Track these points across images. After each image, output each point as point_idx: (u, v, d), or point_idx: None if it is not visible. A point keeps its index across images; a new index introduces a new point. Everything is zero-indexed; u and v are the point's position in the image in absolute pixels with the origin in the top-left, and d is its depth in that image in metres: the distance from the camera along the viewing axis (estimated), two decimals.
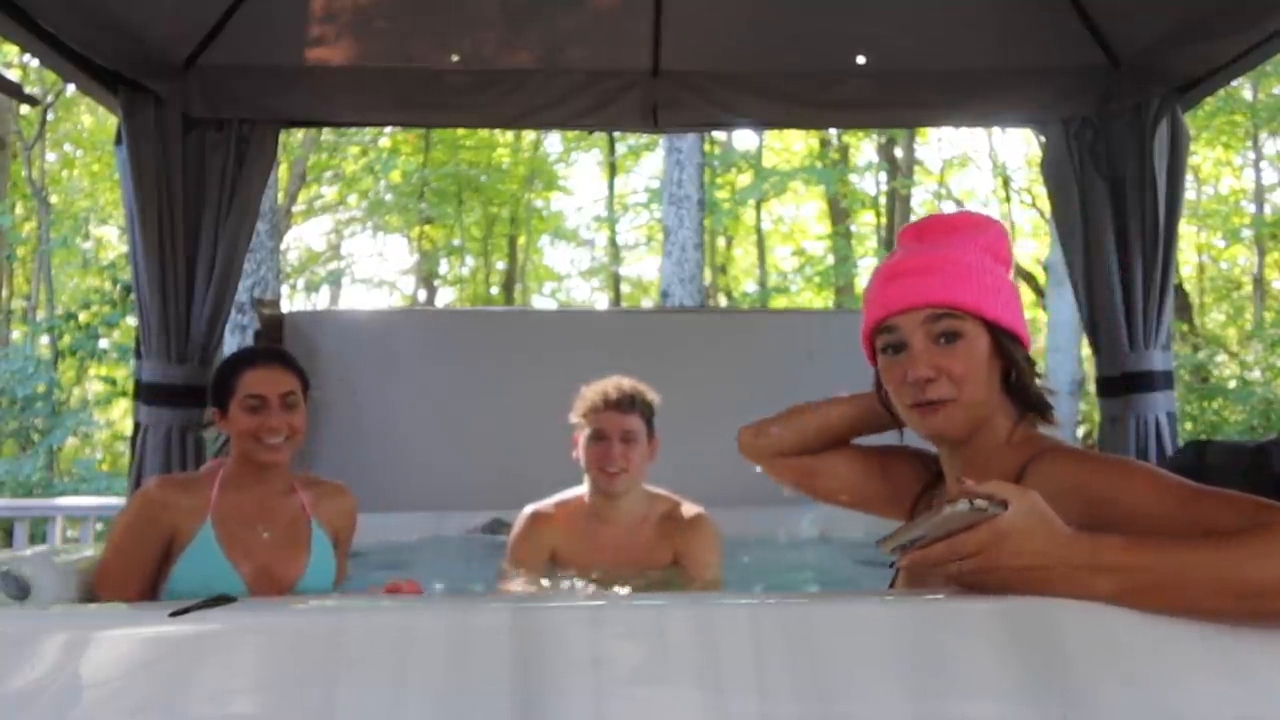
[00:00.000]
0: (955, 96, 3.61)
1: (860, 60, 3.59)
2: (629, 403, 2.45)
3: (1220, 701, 0.98)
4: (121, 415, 10.64)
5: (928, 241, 1.31)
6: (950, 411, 1.23)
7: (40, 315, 11.20)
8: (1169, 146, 3.34)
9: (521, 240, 16.62)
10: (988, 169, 15.55)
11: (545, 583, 2.46)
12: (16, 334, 11.94)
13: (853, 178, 13.89)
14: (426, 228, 15.57)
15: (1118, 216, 3.43)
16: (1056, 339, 9.75)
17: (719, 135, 13.40)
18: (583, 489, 2.56)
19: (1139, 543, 1.01)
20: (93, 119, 13.05)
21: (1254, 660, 0.98)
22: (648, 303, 15.97)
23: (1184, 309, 11.96)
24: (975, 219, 1.34)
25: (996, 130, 14.09)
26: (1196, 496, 1.07)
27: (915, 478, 1.45)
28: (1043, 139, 3.70)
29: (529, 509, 2.61)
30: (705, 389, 3.72)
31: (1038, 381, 1.28)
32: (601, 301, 17.22)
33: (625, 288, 16.74)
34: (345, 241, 15.84)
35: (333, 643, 0.94)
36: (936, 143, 15.17)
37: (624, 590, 2.39)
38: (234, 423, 2.07)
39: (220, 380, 2.12)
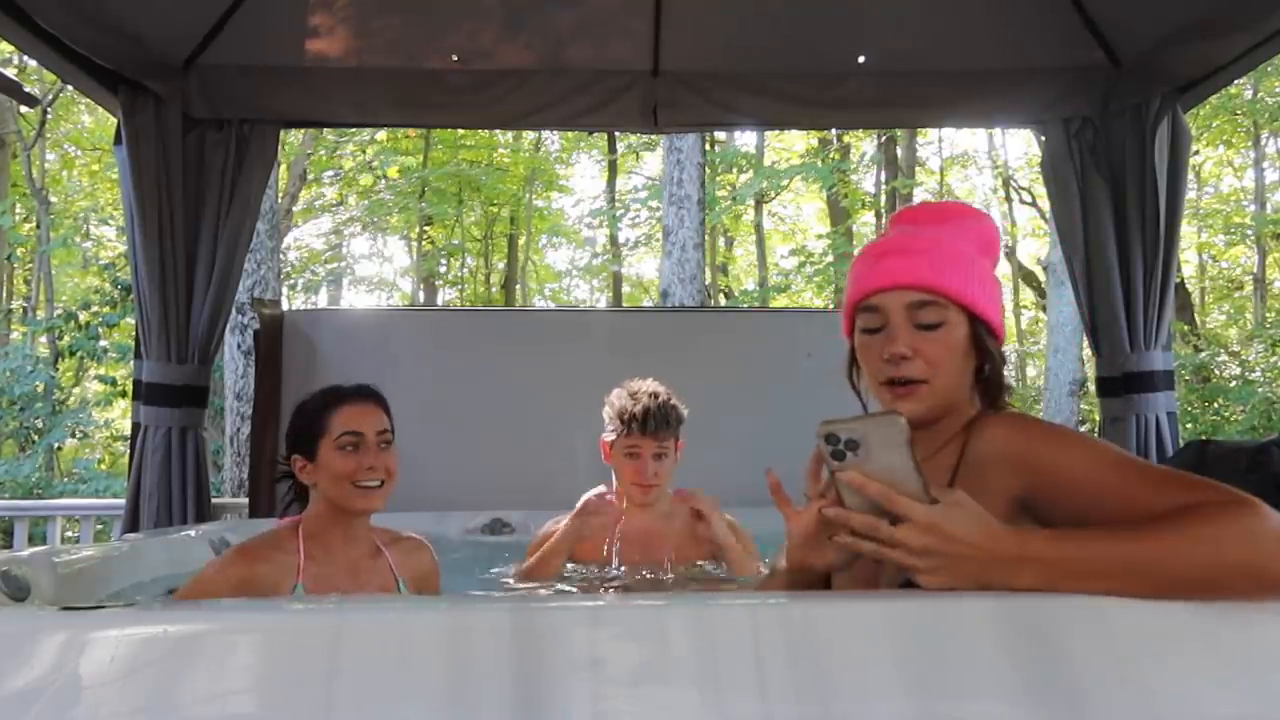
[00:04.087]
0: (955, 96, 3.61)
1: (861, 60, 3.59)
2: (664, 424, 2.48)
3: (1220, 702, 0.98)
4: (121, 415, 10.64)
5: (921, 225, 1.32)
6: (921, 395, 1.23)
7: (40, 315, 11.20)
8: (1169, 146, 3.34)
9: (521, 240, 16.62)
10: (988, 169, 15.58)
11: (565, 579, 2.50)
12: (16, 334, 11.94)
13: (852, 177, 13.89)
14: (427, 228, 15.58)
15: (1118, 216, 3.43)
16: (1056, 339, 9.74)
17: (719, 134, 13.42)
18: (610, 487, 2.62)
19: (1063, 535, 1.03)
20: (93, 119, 13.06)
21: (1253, 659, 0.98)
22: (648, 303, 15.97)
23: (1185, 309, 11.95)
24: (968, 210, 1.36)
25: (997, 130, 14.14)
26: (1131, 469, 1.09)
27: None
28: (1043, 139, 3.70)
29: (556, 517, 2.63)
30: (705, 389, 3.70)
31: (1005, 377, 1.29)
32: (601, 301, 17.22)
33: (625, 288, 16.75)
34: (345, 241, 15.84)
35: (333, 643, 0.94)
36: (937, 142, 15.20)
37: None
38: (326, 467, 1.85)
39: (305, 422, 1.90)
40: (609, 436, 2.55)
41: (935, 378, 1.23)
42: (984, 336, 1.26)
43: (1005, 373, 1.30)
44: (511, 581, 2.57)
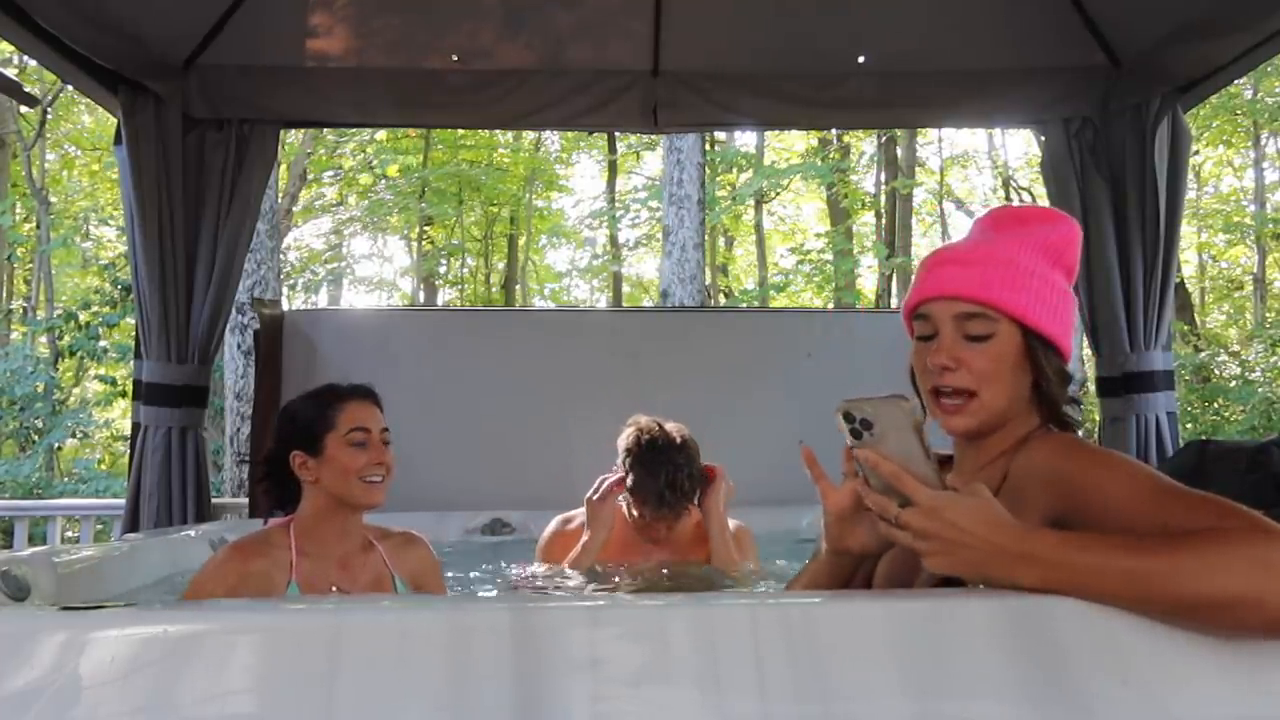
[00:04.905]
0: (955, 96, 3.62)
1: (860, 60, 3.59)
2: (681, 502, 2.41)
3: (1220, 702, 0.98)
4: (121, 415, 10.64)
5: (999, 230, 1.29)
6: (970, 409, 1.22)
7: (40, 315, 11.20)
8: (1169, 146, 3.34)
9: (521, 240, 16.61)
10: (988, 169, 15.57)
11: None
12: (16, 334, 11.94)
13: (852, 177, 13.89)
14: (427, 228, 15.57)
15: (1118, 216, 3.43)
16: None
17: (719, 134, 13.42)
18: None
19: (1069, 539, 1.01)
20: (93, 119, 13.05)
21: (1254, 661, 0.98)
22: (648, 303, 15.96)
23: (1185, 308, 11.95)
24: (1048, 215, 1.31)
25: (997, 130, 14.14)
26: (1169, 496, 1.06)
27: None
28: (1043, 139, 3.70)
29: (561, 515, 2.63)
30: (705, 389, 3.71)
31: (1068, 393, 1.25)
32: (601, 301, 17.22)
33: (625, 288, 16.74)
34: (345, 241, 15.84)
35: (332, 643, 0.94)
36: (937, 142, 15.19)
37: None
38: (334, 462, 1.89)
39: (307, 419, 1.93)
40: (623, 496, 2.47)
41: (983, 390, 1.21)
42: (1038, 351, 1.22)
43: (1069, 389, 1.25)
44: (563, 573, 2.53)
